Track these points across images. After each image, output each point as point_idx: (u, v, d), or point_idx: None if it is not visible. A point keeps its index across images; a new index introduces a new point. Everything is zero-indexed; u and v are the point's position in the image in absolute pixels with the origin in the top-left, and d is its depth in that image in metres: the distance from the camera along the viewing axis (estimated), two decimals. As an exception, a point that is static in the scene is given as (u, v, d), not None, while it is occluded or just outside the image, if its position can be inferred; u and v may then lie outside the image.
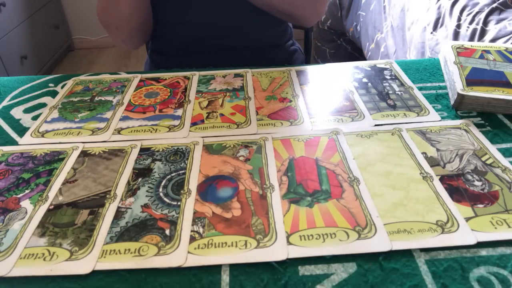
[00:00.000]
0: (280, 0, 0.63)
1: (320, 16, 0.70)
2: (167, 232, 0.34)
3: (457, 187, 0.38)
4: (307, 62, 0.91)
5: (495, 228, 0.33)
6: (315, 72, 0.60)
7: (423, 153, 0.42)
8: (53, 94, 0.57)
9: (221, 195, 0.38)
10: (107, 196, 0.38)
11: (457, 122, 0.47)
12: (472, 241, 0.32)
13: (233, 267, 0.32)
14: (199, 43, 0.70)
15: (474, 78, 0.51)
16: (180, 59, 0.73)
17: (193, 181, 0.39)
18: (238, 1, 0.64)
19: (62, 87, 0.59)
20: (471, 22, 0.95)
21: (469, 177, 0.39)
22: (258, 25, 0.69)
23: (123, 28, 0.66)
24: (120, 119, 0.50)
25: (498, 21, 0.91)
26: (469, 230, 0.33)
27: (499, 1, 0.96)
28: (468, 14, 0.97)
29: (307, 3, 0.65)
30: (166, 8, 0.67)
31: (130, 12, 0.63)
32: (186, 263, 0.31)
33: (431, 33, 1.06)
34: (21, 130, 0.49)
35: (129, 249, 0.33)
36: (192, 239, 0.33)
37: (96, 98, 0.55)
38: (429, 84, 0.56)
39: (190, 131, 0.47)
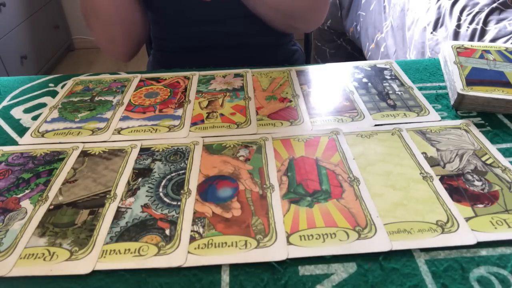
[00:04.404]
0: (281, 14, 0.64)
1: (318, 25, 0.70)
2: (167, 232, 0.34)
3: (457, 187, 0.38)
4: (307, 62, 0.91)
5: (495, 228, 0.33)
6: (315, 72, 0.60)
7: (423, 153, 0.42)
8: (53, 94, 0.57)
9: (221, 195, 0.38)
10: (107, 196, 0.38)
11: (457, 122, 0.47)
12: (472, 241, 0.32)
13: (233, 267, 0.32)
14: (203, 41, 0.71)
15: (474, 78, 0.51)
16: (184, 57, 0.73)
17: (193, 181, 0.39)
18: (240, 1, 0.64)
19: (62, 87, 0.59)
20: (471, 22, 0.95)
21: (469, 177, 0.39)
22: (261, 24, 0.69)
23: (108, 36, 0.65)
24: (120, 119, 0.50)
25: (498, 21, 0.92)
26: (469, 230, 0.33)
27: (499, 1, 0.96)
28: (468, 14, 0.98)
29: (308, 15, 0.65)
30: (168, 8, 0.67)
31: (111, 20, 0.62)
32: (186, 263, 0.31)
33: (431, 33, 1.07)
34: (21, 130, 0.49)
35: (129, 249, 0.33)
36: (192, 239, 0.33)
37: (96, 98, 0.55)
38: (429, 84, 0.56)
39: (190, 131, 0.47)
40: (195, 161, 0.42)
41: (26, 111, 0.54)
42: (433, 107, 0.50)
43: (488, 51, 0.57)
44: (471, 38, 0.94)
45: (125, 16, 0.64)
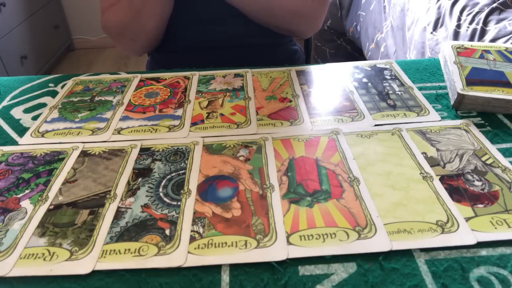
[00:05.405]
0: (258, 8, 0.64)
1: (316, 30, 0.71)
2: (167, 232, 0.34)
3: (457, 187, 0.38)
4: (307, 62, 0.91)
5: (495, 228, 0.33)
6: (315, 72, 0.60)
7: (423, 153, 0.42)
8: (53, 94, 0.57)
9: (221, 195, 0.38)
10: (107, 196, 0.38)
11: (457, 122, 0.47)
12: (472, 241, 0.32)
13: (233, 267, 0.32)
14: (203, 41, 0.71)
15: (474, 78, 0.51)
16: (184, 57, 0.73)
17: (193, 181, 0.39)
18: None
19: (62, 87, 0.59)
20: (471, 22, 0.95)
21: (469, 177, 0.39)
22: (261, 24, 0.69)
23: (140, 40, 0.66)
24: (120, 119, 0.50)
25: (498, 21, 0.92)
26: (469, 230, 0.33)
27: (499, 1, 0.96)
28: (468, 14, 0.97)
29: (291, 19, 0.66)
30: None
31: (153, 26, 0.64)
32: (186, 263, 0.31)
33: (431, 33, 1.07)
34: (21, 130, 0.49)
35: (129, 249, 0.33)
36: (192, 239, 0.33)
37: (96, 98, 0.55)
38: (429, 84, 0.56)
39: (190, 131, 0.47)
40: (195, 161, 0.42)
41: (26, 111, 0.54)
42: (433, 107, 0.50)
43: (488, 51, 0.57)
44: (471, 38, 0.94)
45: (160, 34, 0.68)
